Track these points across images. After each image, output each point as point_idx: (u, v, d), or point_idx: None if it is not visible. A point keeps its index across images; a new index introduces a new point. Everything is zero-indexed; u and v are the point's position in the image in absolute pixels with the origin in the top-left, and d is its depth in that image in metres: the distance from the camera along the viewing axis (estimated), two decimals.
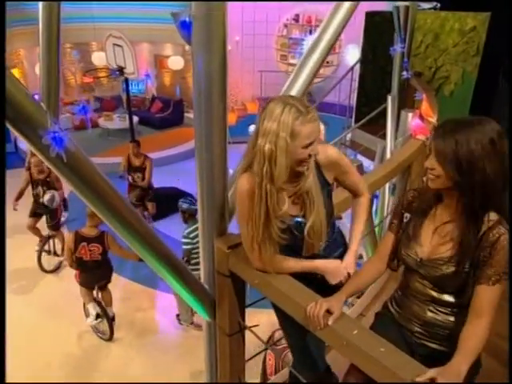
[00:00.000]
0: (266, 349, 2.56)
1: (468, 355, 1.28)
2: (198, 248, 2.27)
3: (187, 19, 1.48)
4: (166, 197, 7.26)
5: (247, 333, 2.00)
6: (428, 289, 1.51)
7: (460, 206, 1.40)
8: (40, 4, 1.43)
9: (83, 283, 4.73)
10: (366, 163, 5.98)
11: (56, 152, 1.34)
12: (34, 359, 4.60)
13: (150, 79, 12.21)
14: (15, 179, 5.77)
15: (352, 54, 10.41)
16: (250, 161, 1.51)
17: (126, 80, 7.76)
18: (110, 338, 4.93)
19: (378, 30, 6.66)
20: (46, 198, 5.83)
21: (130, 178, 6.76)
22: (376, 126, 5.79)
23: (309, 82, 2.14)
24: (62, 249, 6.20)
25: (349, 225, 1.79)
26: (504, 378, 1.72)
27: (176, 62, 11.45)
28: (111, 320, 4.88)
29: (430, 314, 1.51)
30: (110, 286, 4.93)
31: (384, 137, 4.94)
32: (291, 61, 11.92)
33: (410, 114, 4.00)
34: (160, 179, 7.56)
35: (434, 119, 3.58)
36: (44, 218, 6.14)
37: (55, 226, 6.19)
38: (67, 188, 5.18)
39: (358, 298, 3.03)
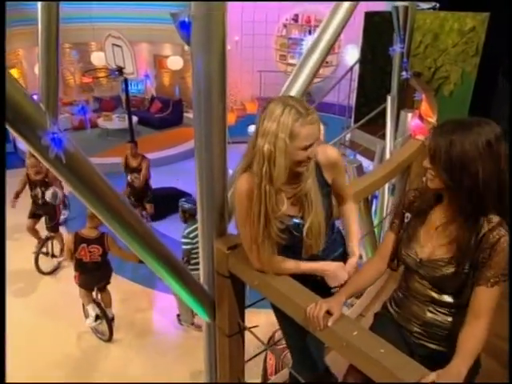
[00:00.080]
0: (265, 349, 2.56)
1: (467, 357, 1.28)
2: (197, 248, 2.27)
3: (186, 19, 1.48)
4: (165, 197, 7.26)
5: (247, 333, 2.00)
6: (427, 289, 1.51)
7: (457, 207, 1.40)
8: (39, 4, 1.43)
9: (82, 284, 4.71)
10: (366, 163, 5.97)
11: (55, 153, 1.34)
12: (34, 361, 4.59)
13: (149, 79, 12.22)
14: (14, 179, 5.75)
15: (351, 54, 10.41)
16: (250, 161, 1.51)
17: (125, 80, 7.76)
18: (110, 339, 4.92)
19: (378, 30, 6.65)
20: (48, 195, 5.80)
21: (128, 178, 6.76)
22: (375, 126, 5.79)
23: (308, 82, 2.14)
24: (61, 250, 6.20)
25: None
26: (503, 379, 1.72)
27: (175, 62, 11.45)
28: (110, 321, 4.87)
29: (429, 314, 1.51)
30: (109, 286, 4.93)
31: (383, 137, 4.94)
32: (290, 61, 11.93)
33: (410, 114, 4.00)
34: (159, 179, 7.56)
35: (433, 119, 3.57)
36: (43, 219, 6.13)
37: (54, 227, 6.17)
38: (67, 186, 5.17)
39: (358, 298, 3.03)
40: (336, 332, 1.41)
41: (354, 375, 1.57)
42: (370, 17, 6.92)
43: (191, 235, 4.46)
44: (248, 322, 1.99)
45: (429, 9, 6.12)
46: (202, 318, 2.06)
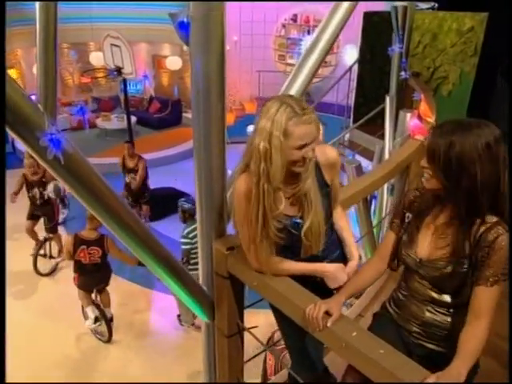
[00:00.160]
0: (264, 350, 2.55)
1: (467, 358, 1.28)
2: (197, 248, 2.27)
3: (185, 20, 1.48)
4: (163, 197, 7.26)
5: (246, 333, 1.99)
6: (427, 289, 1.50)
7: (454, 207, 1.41)
8: (37, 4, 1.42)
9: (81, 286, 4.69)
10: (365, 163, 5.97)
11: (53, 154, 1.34)
12: (33, 361, 4.58)
13: (147, 80, 12.22)
14: (13, 179, 5.75)
15: (350, 54, 10.42)
16: (248, 161, 1.51)
17: (124, 80, 7.75)
18: (109, 340, 4.91)
19: (376, 30, 6.66)
20: (50, 189, 5.76)
21: (125, 178, 6.75)
22: (374, 126, 5.80)
23: (307, 82, 2.14)
24: (59, 251, 6.19)
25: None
26: (503, 379, 1.72)
27: (174, 62, 11.44)
28: (110, 322, 4.86)
29: (428, 314, 1.51)
30: (109, 287, 4.91)
31: (382, 137, 4.94)
32: (289, 61, 11.94)
33: (409, 115, 4.00)
34: (158, 179, 7.55)
35: (432, 119, 3.58)
36: (42, 220, 6.11)
37: (53, 227, 6.16)
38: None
39: (357, 298, 3.03)
40: (335, 333, 1.41)
41: (352, 375, 1.57)
42: (368, 17, 6.93)
43: (190, 235, 4.46)
44: (247, 323, 1.99)
45: (427, 9, 6.12)
46: (201, 318, 2.05)
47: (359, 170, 3.78)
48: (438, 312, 1.49)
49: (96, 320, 4.77)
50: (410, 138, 3.37)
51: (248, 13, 11.58)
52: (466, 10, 5.64)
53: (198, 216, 1.86)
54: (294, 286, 1.59)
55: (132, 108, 10.42)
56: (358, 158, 6.29)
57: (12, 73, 10.65)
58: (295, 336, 1.81)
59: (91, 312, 4.73)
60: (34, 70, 8.87)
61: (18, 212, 5.64)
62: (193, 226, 4.37)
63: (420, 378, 1.22)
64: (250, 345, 2.17)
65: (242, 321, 1.96)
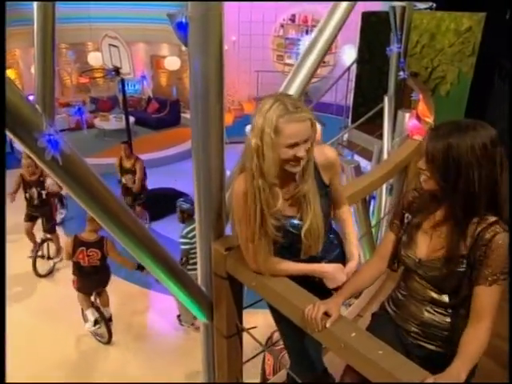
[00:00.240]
0: (263, 351, 2.55)
1: (468, 360, 1.28)
2: (196, 248, 2.26)
3: (183, 20, 1.47)
4: (163, 197, 7.25)
5: (245, 333, 1.99)
6: (427, 289, 1.51)
7: (451, 208, 1.41)
8: (35, 4, 1.42)
9: (81, 289, 4.66)
10: (363, 163, 5.98)
11: (51, 155, 1.33)
12: (33, 363, 4.57)
13: (146, 80, 12.20)
14: (11, 180, 5.74)
15: (348, 54, 10.43)
16: (246, 160, 1.51)
17: (122, 80, 7.74)
18: (109, 342, 4.89)
19: (375, 30, 6.67)
20: (49, 182, 5.74)
21: (122, 179, 6.73)
22: (373, 126, 5.80)
23: (306, 83, 2.14)
24: (57, 251, 6.17)
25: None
26: (502, 379, 1.72)
27: (172, 63, 11.44)
28: (109, 323, 4.84)
29: (427, 314, 1.52)
30: (108, 288, 4.89)
31: (381, 137, 4.94)
32: (287, 61, 11.95)
33: (407, 114, 4.00)
34: (157, 180, 7.54)
35: (430, 119, 3.58)
36: (40, 221, 6.09)
37: (51, 228, 6.14)
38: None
39: (356, 298, 3.03)
40: (334, 333, 1.40)
41: (351, 375, 1.57)
42: (367, 17, 6.94)
43: (190, 235, 4.45)
44: (246, 323, 1.98)
45: (426, 9, 6.13)
46: (200, 319, 2.05)
47: (358, 170, 3.78)
48: (437, 312, 1.50)
49: (96, 323, 4.76)
50: (408, 138, 3.37)
51: (246, 13, 11.59)
52: (464, 10, 5.65)
53: (196, 216, 1.86)
54: (292, 286, 1.59)
55: (130, 108, 10.41)
56: (357, 157, 6.30)
57: (10, 73, 10.64)
58: (294, 336, 1.80)
59: (91, 315, 4.71)
60: (32, 70, 8.87)
61: (17, 212, 5.63)
62: (192, 226, 4.36)
63: (419, 379, 1.22)
64: (249, 345, 2.17)
65: (241, 321, 1.95)
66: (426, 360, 1.47)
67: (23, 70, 11.19)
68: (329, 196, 1.66)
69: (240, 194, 1.53)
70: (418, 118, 3.61)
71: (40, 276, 6.02)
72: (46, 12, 1.43)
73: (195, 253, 3.75)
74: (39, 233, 6.17)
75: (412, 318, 1.56)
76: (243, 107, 12.13)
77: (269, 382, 3.15)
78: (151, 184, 7.15)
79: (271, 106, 1.41)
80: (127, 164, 6.60)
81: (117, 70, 7.53)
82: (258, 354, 2.31)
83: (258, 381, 3.59)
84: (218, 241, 1.82)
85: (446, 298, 1.47)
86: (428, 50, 6.01)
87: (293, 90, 2.11)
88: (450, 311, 1.48)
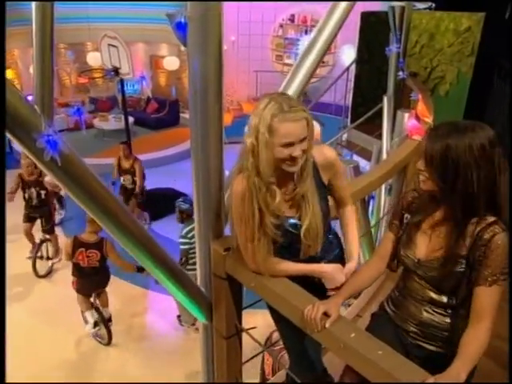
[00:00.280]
0: (262, 351, 2.55)
1: (468, 361, 1.28)
2: (195, 248, 2.26)
3: (182, 20, 1.47)
4: (162, 197, 7.25)
5: (244, 334, 1.99)
6: (426, 289, 1.51)
7: (450, 208, 1.41)
8: (33, 4, 1.42)
9: (80, 290, 4.64)
10: (362, 163, 5.98)
11: (50, 155, 1.33)
12: (33, 363, 4.56)
13: (145, 81, 12.19)
14: (10, 180, 5.72)
15: (347, 54, 10.43)
16: (243, 159, 1.51)
17: (122, 80, 7.73)
18: (109, 343, 4.87)
19: (374, 30, 6.67)
20: (48, 178, 5.73)
21: (121, 180, 6.71)
22: (372, 126, 5.80)
23: (305, 83, 2.14)
24: (56, 251, 6.17)
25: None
26: (501, 379, 1.72)
27: (171, 63, 11.43)
28: (109, 325, 4.83)
29: (425, 314, 1.52)
30: (108, 288, 4.87)
31: (380, 137, 4.94)
32: (286, 61, 11.96)
33: (406, 115, 4.00)
34: (156, 180, 7.53)
35: (429, 119, 3.58)
36: (38, 221, 6.08)
37: (50, 229, 6.13)
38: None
39: (355, 298, 3.03)
40: (333, 334, 1.40)
41: (350, 376, 1.57)
42: (366, 17, 6.94)
43: (189, 235, 4.44)
44: (245, 323, 1.98)
45: (425, 9, 6.13)
46: (199, 319, 2.05)
47: (357, 170, 3.78)
48: (436, 312, 1.50)
49: (95, 324, 4.75)
50: (407, 138, 3.37)
51: (246, 13, 11.59)
52: (463, 10, 5.65)
53: (195, 216, 1.85)
54: (292, 286, 1.59)
55: (129, 108, 10.40)
56: (356, 157, 6.30)
57: (9, 73, 10.63)
58: (293, 337, 1.80)
59: (90, 317, 4.70)
60: (31, 70, 8.83)
61: (15, 212, 5.62)
62: (191, 226, 4.35)
63: (419, 379, 1.22)
64: (249, 345, 2.17)
65: (240, 322, 1.95)
66: (426, 360, 1.47)
67: (22, 70, 11.18)
68: (327, 196, 1.66)
69: (238, 193, 1.53)
70: (417, 118, 3.61)
71: (39, 277, 6.01)
72: (44, 12, 1.42)
73: (194, 253, 3.75)
74: (38, 233, 6.15)
75: (411, 318, 1.56)
76: (242, 107, 12.13)
77: (268, 382, 3.15)
78: (150, 184, 7.14)
79: (266, 106, 1.41)
80: (126, 164, 6.58)
81: (116, 70, 7.53)
82: (257, 355, 2.31)
83: (257, 381, 3.59)
84: (217, 241, 1.82)
85: (444, 299, 1.47)
86: (427, 49, 6.01)
87: (292, 90, 2.11)
88: (449, 311, 1.48)
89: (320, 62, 2.18)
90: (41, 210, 5.95)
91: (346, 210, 1.76)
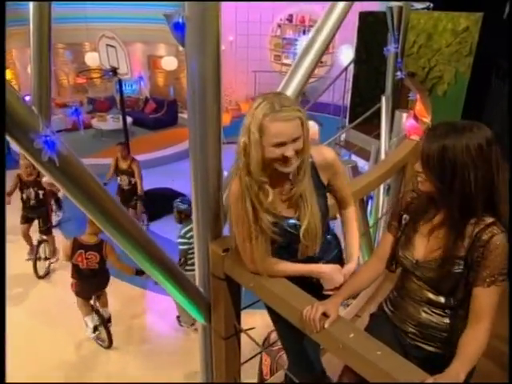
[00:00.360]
0: (261, 351, 2.55)
1: (467, 361, 1.28)
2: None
3: (180, 20, 1.47)
4: (160, 198, 7.24)
5: (242, 334, 1.99)
6: (424, 290, 1.50)
7: (448, 209, 1.41)
8: (30, 4, 1.41)
9: (79, 293, 4.59)
10: (361, 163, 5.98)
11: (48, 156, 1.32)
12: (33, 364, 4.56)
13: (143, 81, 12.18)
14: (8, 180, 5.71)
15: (346, 54, 10.43)
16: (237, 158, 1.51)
17: (120, 81, 7.72)
18: (109, 346, 4.84)
19: (372, 30, 6.67)
20: (45, 179, 5.70)
21: (117, 180, 6.69)
22: (370, 126, 5.80)
23: (304, 83, 2.14)
24: (53, 252, 6.16)
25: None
26: (500, 380, 1.72)
27: (170, 63, 11.42)
28: (107, 322, 4.82)
29: (424, 315, 1.51)
30: (107, 289, 4.84)
31: (378, 137, 4.94)
32: (285, 61, 11.96)
33: (404, 115, 4.00)
34: (154, 180, 7.52)
35: (428, 119, 3.58)
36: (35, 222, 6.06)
37: (48, 229, 6.12)
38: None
39: (354, 298, 3.03)
40: (332, 334, 1.40)
41: (349, 376, 1.57)
42: (364, 17, 6.94)
43: (188, 235, 4.43)
44: (243, 324, 1.98)
45: (423, 9, 6.14)
46: (198, 320, 2.05)
47: (355, 170, 3.78)
48: (434, 313, 1.50)
49: (95, 329, 4.74)
50: (406, 138, 3.38)
51: (244, 13, 11.59)
52: (461, 10, 5.66)
53: (194, 217, 1.85)
54: (290, 287, 1.58)
55: (128, 108, 10.40)
56: (355, 158, 6.30)
57: (7, 73, 10.60)
58: (292, 337, 1.80)
59: (90, 322, 4.69)
60: (29, 70, 8.83)
61: (14, 213, 5.60)
62: (190, 226, 4.34)
63: (417, 380, 1.22)
64: (247, 345, 2.17)
65: (239, 322, 1.95)
66: (425, 361, 1.47)
67: (20, 70, 11.15)
68: (326, 196, 1.66)
69: (235, 193, 1.53)
70: (416, 117, 3.61)
71: (39, 278, 6.01)
72: (41, 12, 1.42)
73: (193, 253, 3.76)
74: (34, 234, 6.14)
75: (409, 318, 1.55)
76: (241, 107, 12.12)
77: (266, 382, 3.15)
78: (149, 184, 7.13)
79: (259, 105, 1.41)
80: (123, 165, 6.56)
81: (114, 71, 7.52)
82: (255, 355, 2.31)
83: (256, 380, 3.59)
84: (216, 241, 1.81)
85: (442, 299, 1.47)
86: (425, 49, 6.02)
87: (290, 90, 2.11)
88: (447, 312, 1.48)
89: (318, 62, 2.18)
90: (38, 211, 5.94)
91: (347, 211, 1.75)
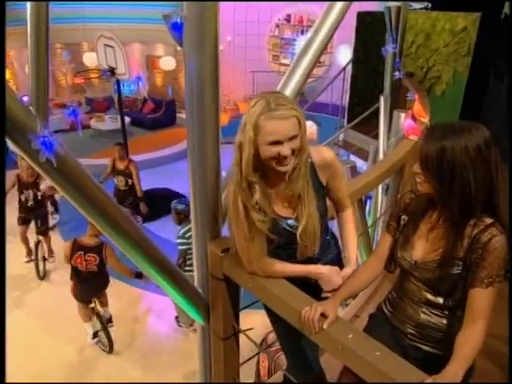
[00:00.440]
0: (259, 352, 2.55)
1: (463, 361, 1.28)
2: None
3: (178, 20, 1.46)
4: (159, 198, 7.23)
5: (241, 334, 1.98)
6: (423, 291, 1.50)
7: (447, 210, 1.41)
8: (28, 4, 1.41)
9: (78, 296, 4.54)
10: (359, 163, 5.98)
11: (46, 157, 1.32)
12: (32, 365, 4.55)
13: (141, 81, 12.16)
14: (7, 180, 5.70)
15: (344, 54, 10.45)
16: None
17: (118, 81, 7.71)
18: (110, 351, 4.80)
19: (370, 31, 6.68)
20: (43, 187, 5.70)
21: (115, 181, 6.67)
22: (369, 126, 5.80)
23: (302, 83, 2.13)
24: (49, 252, 6.16)
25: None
26: (499, 379, 1.72)
27: (168, 63, 11.41)
28: (108, 321, 4.79)
29: (423, 315, 1.51)
30: (107, 289, 4.81)
31: (377, 137, 4.94)
32: (283, 61, 11.96)
33: (403, 115, 4.01)
34: (153, 180, 7.51)
35: (426, 119, 3.58)
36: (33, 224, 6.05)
37: (45, 231, 6.12)
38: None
39: (353, 298, 3.03)
40: (331, 335, 1.40)
41: (348, 376, 1.56)
42: (362, 17, 6.94)
43: (187, 235, 4.42)
44: (242, 324, 1.98)
45: (421, 9, 6.14)
46: (197, 321, 2.04)
47: (354, 170, 3.78)
48: (433, 314, 1.49)
49: (95, 336, 4.74)
50: (404, 138, 3.38)
51: (242, 13, 11.58)
52: (459, 11, 5.67)
53: (192, 217, 1.85)
54: (289, 287, 1.58)
55: (126, 109, 10.38)
56: (353, 158, 6.30)
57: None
58: (291, 338, 1.80)
59: (90, 329, 4.68)
60: (27, 70, 8.80)
61: (11, 214, 5.59)
62: (189, 226, 4.33)
63: (416, 380, 1.22)
64: (246, 346, 2.16)
65: (238, 323, 1.95)
66: (423, 361, 1.47)
67: (18, 71, 11.13)
68: (325, 197, 1.65)
69: (231, 192, 1.53)
70: (414, 117, 3.61)
71: (41, 279, 6.03)
72: (39, 12, 1.41)
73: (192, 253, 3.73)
74: (31, 236, 6.13)
75: (408, 319, 1.55)
76: (239, 107, 12.11)
77: (266, 382, 3.15)
78: (147, 184, 7.11)
79: (255, 104, 1.41)
80: (120, 166, 6.53)
81: (112, 71, 7.50)
82: (254, 356, 2.31)
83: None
84: (215, 242, 1.81)
85: (441, 300, 1.47)
86: (423, 50, 6.03)
87: (289, 90, 2.10)
88: (446, 313, 1.48)
89: (317, 62, 2.18)
90: (36, 212, 5.93)
91: (344, 213, 1.74)
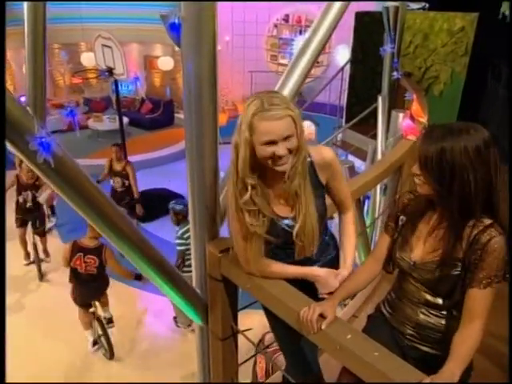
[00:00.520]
0: (257, 353, 2.54)
1: (460, 360, 1.28)
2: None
3: (176, 21, 1.46)
4: (157, 198, 7.22)
5: (239, 335, 1.98)
6: (421, 291, 1.50)
7: (446, 211, 1.41)
8: (25, 4, 1.40)
9: (78, 299, 4.51)
10: (358, 163, 6.00)
11: (43, 157, 1.31)
12: (32, 365, 4.55)
13: (139, 81, 12.14)
14: (6, 180, 5.69)
15: (342, 54, 10.45)
16: None
17: (116, 81, 7.69)
18: (111, 357, 4.76)
19: (368, 31, 6.68)
20: (42, 198, 5.70)
21: (111, 182, 6.66)
22: (367, 126, 5.81)
23: (300, 83, 2.13)
24: (45, 253, 6.16)
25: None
26: (497, 379, 1.72)
27: (166, 63, 11.39)
28: (108, 322, 4.78)
29: (422, 316, 1.51)
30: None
31: (375, 137, 4.95)
32: (281, 61, 11.96)
33: (401, 115, 4.01)
34: (151, 180, 7.51)
35: (424, 119, 3.58)
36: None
37: (42, 231, 6.10)
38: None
39: (351, 298, 3.03)
40: (329, 335, 1.40)
41: (347, 377, 1.56)
42: (360, 17, 6.95)
43: (185, 236, 4.41)
44: (240, 324, 1.97)
45: (419, 9, 6.15)
46: (195, 321, 2.04)
47: (352, 170, 3.78)
48: (432, 314, 1.49)
49: (95, 343, 4.73)
50: (402, 138, 3.38)
51: (240, 13, 11.58)
52: (457, 11, 5.67)
53: (190, 218, 1.84)
54: (288, 288, 1.58)
55: (124, 109, 10.36)
56: (351, 158, 6.31)
57: None
58: (288, 338, 1.79)
59: (90, 336, 4.67)
60: (24, 70, 8.77)
61: (9, 215, 5.57)
62: (187, 227, 4.31)
63: (415, 381, 1.22)
64: (244, 346, 2.16)
65: (236, 323, 1.95)
66: (422, 362, 1.47)
67: (15, 71, 11.10)
68: (324, 196, 1.65)
69: (229, 193, 1.53)
70: (412, 117, 3.61)
71: (40, 279, 6.01)
72: (36, 12, 1.41)
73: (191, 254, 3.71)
74: (28, 237, 6.12)
75: (407, 320, 1.55)
76: (237, 107, 12.10)
77: (265, 382, 3.14)
78: (145, 185, 7.10)
79: (250, 103, 1.41)
80: (117, 167, 6.51)
81: (110, 71, 7.48)
82: (252, 357, 2.31)
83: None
84: (213, 242, 1.81)
85: (440, 301, 1.47)
86: (421, 50, 6.03)
87: (287, 91, 2.10)
88: (444, 313, 1.48)
89: (315, 62, 2.17)
90: (34, 213, 5.92)
91: (346, 216, 1.73)
